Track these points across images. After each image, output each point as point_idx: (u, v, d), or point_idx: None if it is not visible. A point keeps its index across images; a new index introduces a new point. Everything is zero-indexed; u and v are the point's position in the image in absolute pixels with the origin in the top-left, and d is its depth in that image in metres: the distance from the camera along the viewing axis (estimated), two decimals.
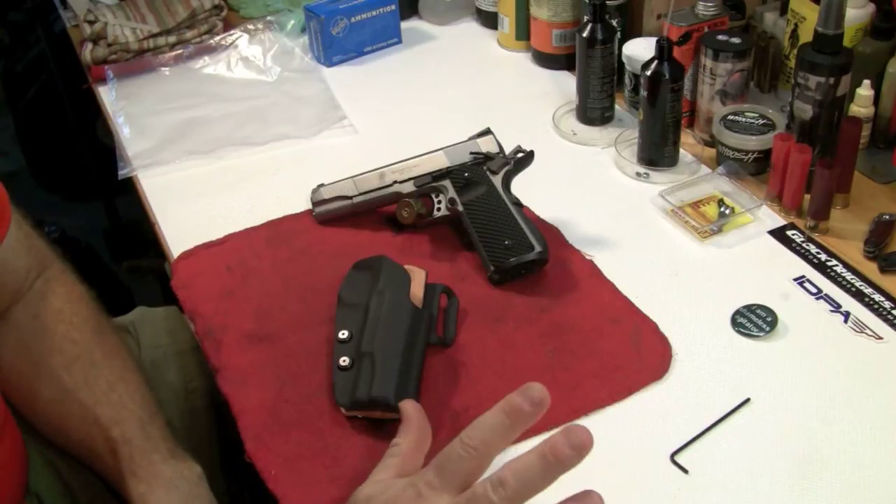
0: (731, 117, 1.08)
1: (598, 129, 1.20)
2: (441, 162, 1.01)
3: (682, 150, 1.11)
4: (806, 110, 1.00)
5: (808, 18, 1.08)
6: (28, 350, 0.82)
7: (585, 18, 1.15)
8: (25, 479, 0.80)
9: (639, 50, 1.16)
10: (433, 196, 1.00)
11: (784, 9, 1.15)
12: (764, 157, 1.06)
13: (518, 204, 0.97)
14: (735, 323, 0.88)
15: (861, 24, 1.06)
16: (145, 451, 0.77)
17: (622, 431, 0.79)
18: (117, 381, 0.81)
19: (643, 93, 1.06)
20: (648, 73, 1.05)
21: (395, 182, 1.01)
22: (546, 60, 1.35)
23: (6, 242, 0.83)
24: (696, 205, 1.04)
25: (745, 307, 0.89)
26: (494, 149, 1.01)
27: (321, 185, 1.05)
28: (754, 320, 0.88)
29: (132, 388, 0.81)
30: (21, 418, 0.82)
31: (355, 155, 1.16)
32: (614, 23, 1.18)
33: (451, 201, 0.99)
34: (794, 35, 1.12)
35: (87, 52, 1.38)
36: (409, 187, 1.01)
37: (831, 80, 0.97)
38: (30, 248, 0.87)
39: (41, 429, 0.82)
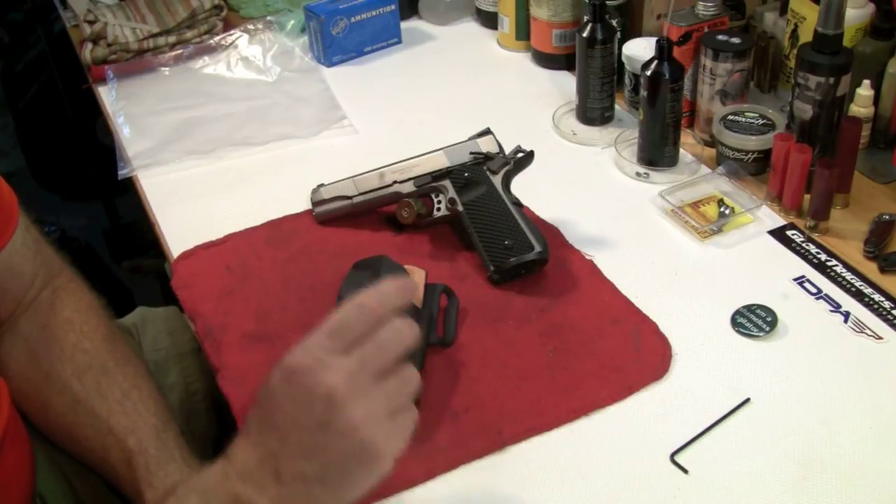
0: (730, 117, 1.08)
1: (598, 129, 1.20)
2: (441, 162, 1.01)
3: (682, 150, 1.11)
4: (806, 110, 1.00)
5: (808, 18, 1.08)
6: (38, 361, 0.82)
7: (585, 18, 1.15)
8: (33, 483, 0.80)
9: (639, 50, 1.16)
10: (433, 196, 1.00)
11: (784, 9, 1.15)
12: (764, 157, 1.06)
13: (518, 204, 0.97)
14: (735, 323, 0.88)
15: (861, 24, 1.06)
16: (161, 460, 0.76)
17: (622, 431, 0.78)
18: (131, 388, 0.81)
19: (643, 93, 1.06)
20: (648, 73, 1.05)
21: (395, 182, 1.01)
22: (546, 60, 1.35)
23: (13, 245, 0.82)
24: (696, 205, 1.04)
25: (745, 307, 0.89)
26: (494, 149, 1.01)
27: (321, 185, 1.05)
28: (754, 320, 0.88)
29: (145, 395, 0.81)
30: (30, 425, 0.82)
31: (355, 155, 1.16)
32: (614, 23, 1.18)
33: (451, 201, 0.99)
34: (794, 35, 1.12)
35: (87, 52, 1.38)
36: (409, 187, 1.01)
37: (831, 80, 0.97)
38: (37, 254, 0.86)
39: (54, 438, 0.82)
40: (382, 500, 0.74)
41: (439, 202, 1.00)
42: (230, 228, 1.04)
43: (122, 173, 1.18)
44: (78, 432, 0.79)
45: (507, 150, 1.01)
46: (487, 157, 1.00)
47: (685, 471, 0.75)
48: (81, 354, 0.82)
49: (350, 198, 1.02)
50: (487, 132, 1.02)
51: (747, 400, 0.80)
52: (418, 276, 0.90)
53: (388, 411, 0.60)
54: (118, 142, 1.23)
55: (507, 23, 1.39)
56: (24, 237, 0.85)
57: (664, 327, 0.88)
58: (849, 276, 0.93)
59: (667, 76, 1.03)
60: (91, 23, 1.40)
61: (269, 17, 1.47)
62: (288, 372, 0.61)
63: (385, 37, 1.43)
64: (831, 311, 0.89)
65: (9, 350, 0.83)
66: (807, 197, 1.00)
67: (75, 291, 0.87)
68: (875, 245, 0.95)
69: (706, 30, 1.12)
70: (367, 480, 0.62)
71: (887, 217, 0.98)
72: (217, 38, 1.43)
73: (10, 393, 0.78)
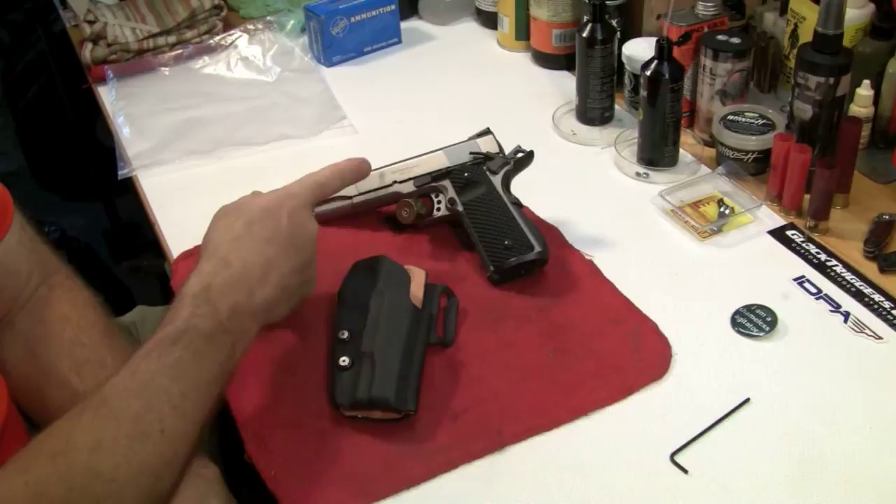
0: (730, 117, 1.08)
1: (598, 129, 1.20)
2: (441, 162, 1.01)
3: (681, 150, 1.11)
4: (806, 110, 1.00)
5: (808, 18, 1.08)
6: (36, 356, 0.82)
7: (585, 18, 1.15)
8: None
9: (639, 50, 1.16)
10: (433, 196, 1.00)
11: (784, 9, 1.15)
12: (764, 157, 1.06)
13: (518, 204, 0.97)
14: (735, 323, 0.88)
15: (861, 24, 1.06)
16: None
17: (622, 431, 0.78)
18: None
19: (643, 93, 1.06)
20: (648, 73, 1.05)
21: (395, 182, 1.01)
22: (546, 60, 1.35)
23: (7, 244, 0.83)
24: (695, 205, 1.04)
25: (745, 307, 0.89)
26: (494, 149, 1.01)
27: None
28: (754, 320, 0.88)
29: None
30: (29, 422, 0.82)
31: (355, 155, 1.15)
32: (614, 23, 1.18)
33: (451, 201, 0.99)
34: (794, 35, 1.12)
35: (86, 52, 1.38)
36: (408, 187, 1.01)
37: (831, 80, 0.97)
38: (32, 252, 0.87)
39: None
40: (382, 499, 0.74)
41: (439, 202, 1.00)
42: None
43: (122, 173, 1.18)
44: None
45: (507, 150, 1.01)
46: (487, 157, 1.00)
47: (685, 471, 0.75)
48: (79, 348, 0.82)
49: (350, 198, 1.02)
50: (487, 132, 1.02)
51: (747, 400, 0.80)
52: (418, 276, 0.90)
53: None
54: (118, 142, 1.23)
55: (507, 23, 1.39)
56: (20, 235, 0.85)
57: (664, 327, 0.88)
58: (849, 276, 0.93)
59: (667, 76, 1.03)
60: (91, 23, 1.40)
61: (268, 17, 1.47)
62: (282, 204, 0.81)
63: (385, 37, 1.43)
64: (831, 311, 0.89)
65: (6, 347, 0.83)
66: (807, 197, 1.00)
67: (72, 288, 0.88)
68: (875, 245, 0.95)
69: (706, 30, 1.12)
70: (299, 304, 0.84)
71: (887, 217, 0.98)
72: (217, 38, 1.43)
73: (8, 390, 0.78)
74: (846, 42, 1.00)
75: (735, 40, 1.09)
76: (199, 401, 0.70)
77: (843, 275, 0.93)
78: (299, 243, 0.80)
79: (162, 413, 0.67)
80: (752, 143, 1.06)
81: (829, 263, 0.95)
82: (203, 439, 0.76)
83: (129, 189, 1.18)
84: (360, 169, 0.91)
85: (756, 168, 1.07)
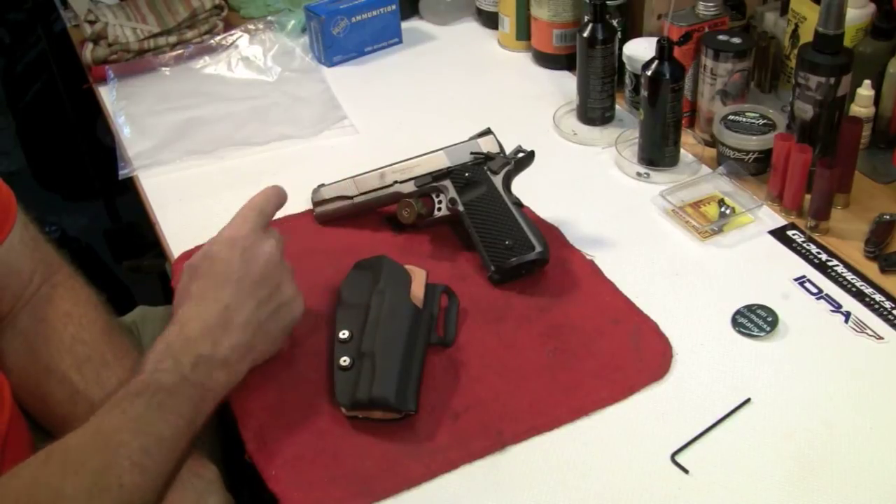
0: (731, 117, 1.08)
1: (599, 129, 1.20)
2: (441, 162, 1.01)
3: (682, 150, 1.11)
4: (806, 110, 1.00)
5: (809, 18, 1.08)
6: (36, 354, 0.82)
7: (586, 18, 1.15)
8: None
9: (639, 50, 1.16)
10: (434, 196, 1.00)
11: (784, 9, 1.15)
12: (764, 157, 1.06)
13: (518, 204, 0.97)
14: (735, 323, 0.88)
15: (861, 24, 1.06)
16: None
17: (622, 431, 0.78)
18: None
19: (644, 93, 1.06)
20: (649, 73, 1.05)
21: (396, 182, 1.01)
22: (546, 60, 1.35)
23: (10, 243, 0.83)
24: (696, 205, 1.04)
25: (745, 307, 0.89)
26: (495, 149, 1.01)
27: (321, 185, 1.05)
28: (755, 320, 0.88)
29: None
30: (33, 422, 0.82)
31: (355, 155, 1.16)
32: (615, 23, 1.18)
33: (452, 201, 0.99)
34: (795, 35, 1.12)
35: (87, 52, 1.38)
36: (409, 187, 1.01)
37: (832, 80, 0.97)
38: (35, 251, 0.87)
39: (53, 431, 0.82)
40: (382, 499, 0.74)
41: (440, 202, 1.00)
42: None
43: (122, 173, 1.18)
44: (77, 424, 0.79)
45: (508, 150, 1.01)
46: (488, 157, 1.00)
47: (686, 471, 0.75)
48: (80, 346, 0.82)
49: (350, 198, 1.02)
50: (488, 132, 1.02)
51: (748, 400, 0.80)
52: (419, 276, 0.90)
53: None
54: (119, 142, 1.23)
55: (508, 23, 1.39)
56: (22, 234, 0.85)
57: (665, 327, 0.88)
58: (849, 276, 0.93)
59: (667, 76, 1.03)
60: (92, 23, 1.40)
61: (269, 17, 1.47)
62: (231, 241, 0.80)
63: (386, 37, 1.43)
64: (832, 311, 0.89)
65: (8, 344, 0.84)
66: (807, 197, 1.00)
67: (74, 287, 0.88)
68: (876, 245, 0.95)
69: (707, 30, 1.12)
70: (287, 330, 0.82)
71: (888, 217, 0.98)
72: (217, 38, 1.43)
73: (10, 388, 0.78)
74: (847, 42, 1.00)
75: (736, 40, 1.09)
76: (160, 455, 0.70)
77: (843, 275, 0.93)
78: (256, 275, 0.79)
79: (121, 469, 0.68)
80: (753, 143, 1.06)
81: (829, 263, 0.95)
82: (202, 440, 0.76)
83: (130, 189, 1.18)
84: (278, 194, 0.88)
85: (757, 168, 1.07)
